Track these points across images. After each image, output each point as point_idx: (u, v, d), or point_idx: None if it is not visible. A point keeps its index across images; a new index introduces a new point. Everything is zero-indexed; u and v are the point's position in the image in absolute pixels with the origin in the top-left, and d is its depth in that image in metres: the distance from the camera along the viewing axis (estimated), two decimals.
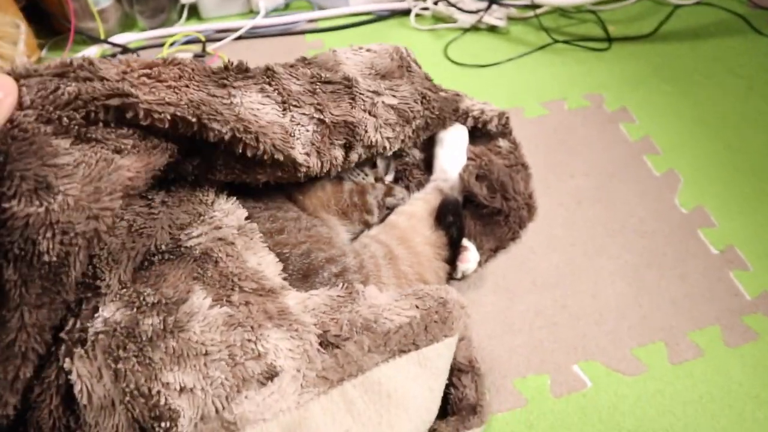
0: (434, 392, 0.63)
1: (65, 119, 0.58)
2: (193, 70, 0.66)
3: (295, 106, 0.73)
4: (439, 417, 0.71)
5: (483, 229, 0.95)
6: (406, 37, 1.42)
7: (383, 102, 0.83)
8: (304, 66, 0.79)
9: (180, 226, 0.69)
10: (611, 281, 0.93)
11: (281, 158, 0.70)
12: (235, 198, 0.75)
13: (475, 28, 1.41)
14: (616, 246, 0.97)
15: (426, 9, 1.46)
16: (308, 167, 0.74)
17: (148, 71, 0.63)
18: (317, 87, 0.77)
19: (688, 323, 0.88)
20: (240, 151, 0.67)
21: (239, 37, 1.43)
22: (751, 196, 1.04)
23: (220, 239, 0.69)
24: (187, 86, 0.64)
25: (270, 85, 0.72)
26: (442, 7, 1.43)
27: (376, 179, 0.95)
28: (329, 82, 0.79)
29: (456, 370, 0.76)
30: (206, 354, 0.59)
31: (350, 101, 0.79)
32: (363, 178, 0.93)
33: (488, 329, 0.87)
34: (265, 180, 0.74)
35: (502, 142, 1.05)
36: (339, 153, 0.78)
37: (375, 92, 0.83)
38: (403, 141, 0.90)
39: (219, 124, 0.64)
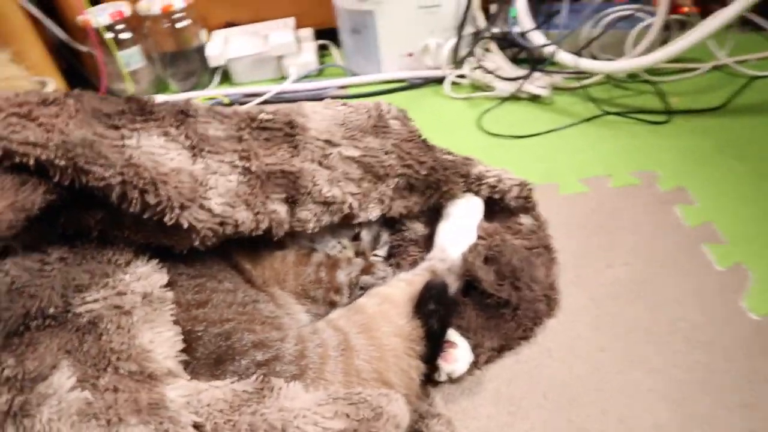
0: None
1: None
2: (77, 110, 0.56)
3: (211, 152, 0.62)
4: None
5: (486, 323, 0.78)
6: (439, 105, 1.30)
7: (340, 153, 0.71)
8: (241, 112, 0.68)
9: (77, 287, 0.57)
10: (648, 404, 0.71)
11: (194, 209, 0.57)
12: (157, 261, 0.62)
13: (514, 97, 1.28)
14: (659, 357, 0.76)
15: (462, 77, 1.35)
16: (236, 222, 0.61)
17: (17, 110, 0.53)
18: (245, 133, 0.65)
19: None
20: (137, 201, 0.55)
21: (266, 102, 1.37)
22: None
23: (116, 307, 0.56)
24: (66, 124, 0.54)
25: (177, 129, 0.61)
26: (479, 75, 1.31)
27: (357, 253, 0.80)
28: (264, 129, 0.67)
29: None
30: None
31: (291, 150, 0.67)
32: (339, 251, 0.79)
33: None
34: (187, 245, 0.61)
35: (524, 219, 0.89)
36: (280, 208, 0.66)
37: (328, 142, 0.70)
38: (381, 202, 0.76)
39: (101, 168, 0.53)
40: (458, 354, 0.71)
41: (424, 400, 0.70)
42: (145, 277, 0.60)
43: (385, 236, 0.85)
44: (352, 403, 0.53)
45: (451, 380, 0.72)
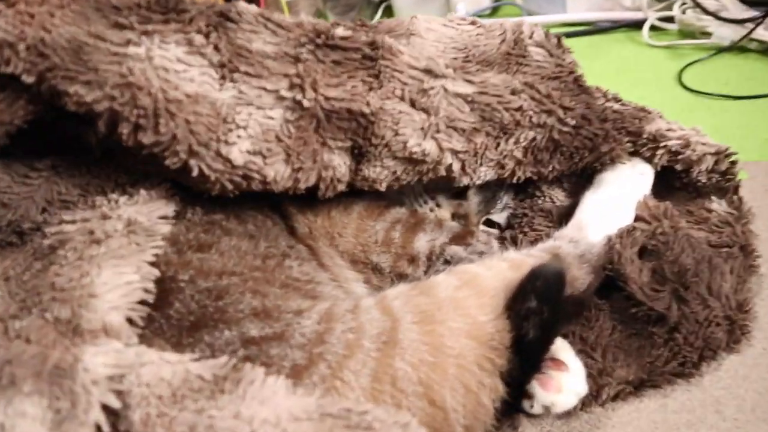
0: None
1: None
2: None
3: (249, 75, 0.46)
4: None
5: (623, 343, 0.56)
6: (632, 54, 1.08)
7: (445, 88, 0.51)
8: (307, 23, 0.50)
9: (63, 203, 0.47)
10: None
11: (206, 155, 0.44)
12: (170, 185, 0.49)
13: (738, 48, 0.97)
14: None
15: (667, 20, 1.05)
16: (265, 178, 0.47)
17: None
18: (305, 51, 0.48)
19: None
20: (129, 137, 0.42)
21: None
22: None
23: (90, 233, 0.43)
24: (51, 16, 0.41)
25: (207, 37, 0.45)
26: (691, 18, 1.00)
27: (456, 215, 0.59)
28: (335, 48, 0.49)
29: None
30: None
31: (369, 80, 0.50)
32: (431, 209, 0.59)
33: None
34: (204, 190, 0.48)
35: (717, 204, 0.65)
36: (339, 161, 0.50)
37: (429, 72, 0.52)
38: (501, 166, 0.56)
39: (84, 87, 0.40)
40: (565, 381, 0.49)
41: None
42: (145, 201, 0.47)
43: (506, 198, 0.64)
44: (349, 426, 0.35)
45: (549, 413, 0.50)
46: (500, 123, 0.54)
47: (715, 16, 0.97)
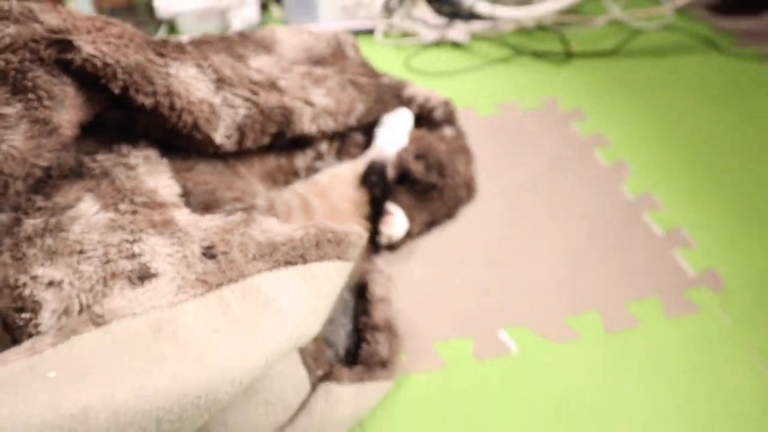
0: (317, 311, 0.60)
1: (1, 62, 0.58)
2: (133, 33, 0.67)
3: (230, 85, 0.74)
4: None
5: (417, 203, 0.94)
6: (372, 51, 1.45)
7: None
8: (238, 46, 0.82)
9: (86, 152, 0.70)
10: (549, 257, 0.90)
11: (199, 137, 0.72)
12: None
13: (437, 44, 1.45)
14: (557, 228, 0.95)
15: (391, 27, 1.51)
16: (222, 146, 0.76)
17: (89, 22, 0.64)
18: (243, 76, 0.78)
19: (626, 294, 0.84)
20: (159, 120, 0.69)
21: None
22: (701, 184, 1.02)
23: (123, 164, 0.68)
24: (126, 46, 0.65)
25: (205, 60, 0.74)
26: (406, 23, 1.48)
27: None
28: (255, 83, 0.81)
29: (370, 328, 0.73)
30: (81, 252, 0.58)
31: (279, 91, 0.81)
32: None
33: (413, 298, 0.84)
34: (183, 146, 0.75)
35: (448, 130, 1.06)
36: (265, 140, 0.80)
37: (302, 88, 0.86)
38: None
39: (146, 96, 0.66)
40: (395, 221, 0.87)
41: (369, 260, 0.86)
42: (144, 147, 0.72)
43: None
44: (319, 228, 0.68)
45: (391, 246, 0.89)
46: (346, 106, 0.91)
47: (421, 21, 1.46)
